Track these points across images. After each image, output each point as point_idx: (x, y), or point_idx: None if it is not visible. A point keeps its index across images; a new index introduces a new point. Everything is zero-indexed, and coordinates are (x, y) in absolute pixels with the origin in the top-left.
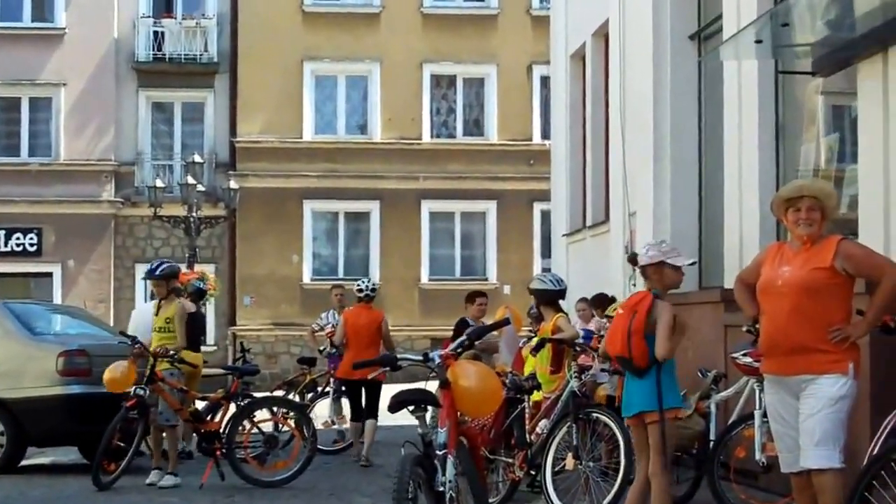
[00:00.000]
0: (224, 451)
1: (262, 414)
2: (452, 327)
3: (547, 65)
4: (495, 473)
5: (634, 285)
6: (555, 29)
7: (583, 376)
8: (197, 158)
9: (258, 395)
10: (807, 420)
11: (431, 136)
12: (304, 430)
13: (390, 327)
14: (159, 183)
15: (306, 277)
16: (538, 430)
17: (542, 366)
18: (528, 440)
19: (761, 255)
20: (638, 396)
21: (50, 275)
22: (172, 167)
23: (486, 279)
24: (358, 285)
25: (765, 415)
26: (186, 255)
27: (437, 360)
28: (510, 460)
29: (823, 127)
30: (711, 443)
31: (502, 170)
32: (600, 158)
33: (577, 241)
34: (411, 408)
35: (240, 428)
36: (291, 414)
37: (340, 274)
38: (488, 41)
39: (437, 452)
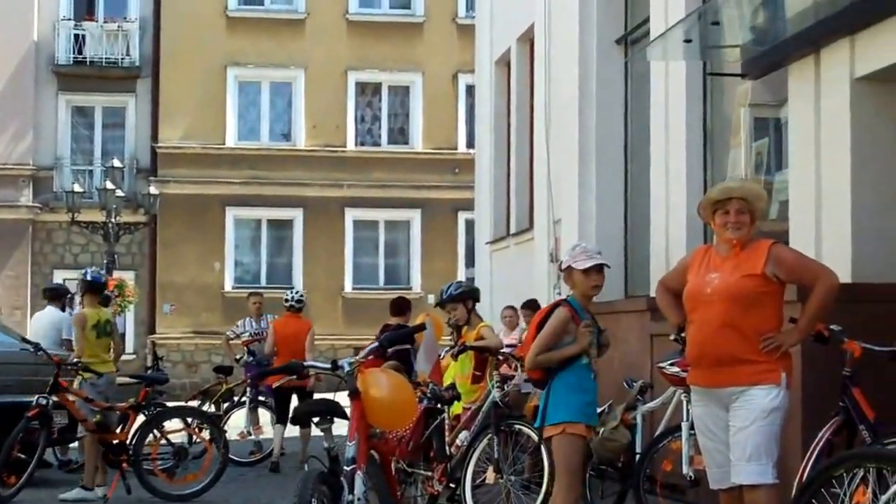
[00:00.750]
0: (131, 462)
1: (173, 424)
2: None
3: (472, 73)
4: (414, 487)
5: (559, 293)
6: (480, 34)
7: (505, 386)
8: (116, 163)
9: (174, 405)
10: (738, 433)
11: (356, 144)
12: (216, 441)
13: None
14: (77, 188)
15: (228, 285)
16: (458, 441)
17: (463, 375)
18: (448, 452)
19: (686, 259)
20: (539, 411)
21: None
22: (92, 172)
23: (410, 288)
24: (285, 296)
25: (692, 426)
26: (105, 261)
27: (347, 369)
28: (429, 473)
29: (753, 131)
30: (637, 456)
31: (427, 178)
32: (525, 165)
33: (500, 248)
34: (316, 419)
35: (148, 439)
36: (203, 424)
37: (263, 282)
38: (414, 49)
39: (345, 468)
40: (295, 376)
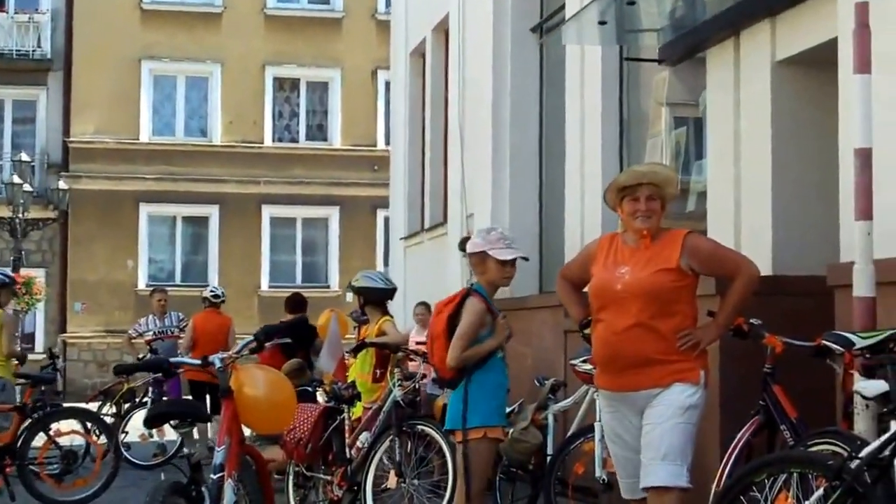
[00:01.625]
0: (15, 467)
1: (64, 426)
2: None
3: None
4: (314, 492)
5: None
6: (395, 25)
7: (412, 384)
8: (24, 157)
9: (69, 405)
10: (652, 431)
11: (273, 140)
12: (109, 444)
13: None
14: None
15: (141, 283)
16: (359, 443)
17: (364, 373)
18: (349, 455)
19: (591, 248)
20: (450, 412)
21: None
22: (2, 167)
23: (328, 286)
24: (203, 292)
25: None
26: (11, 258)
27: (219, 365)
28: (329, 478)
29: (672, 120)
30: (549, 457)
31: (345, 175)
32: (439, 158)
33: (415, 244)
34: (174, 422)
35: (35, 442)
36: (94, 426)
37: (178, 280)
38: (332, 45)
39: (212, 476)
40: (161, 374)
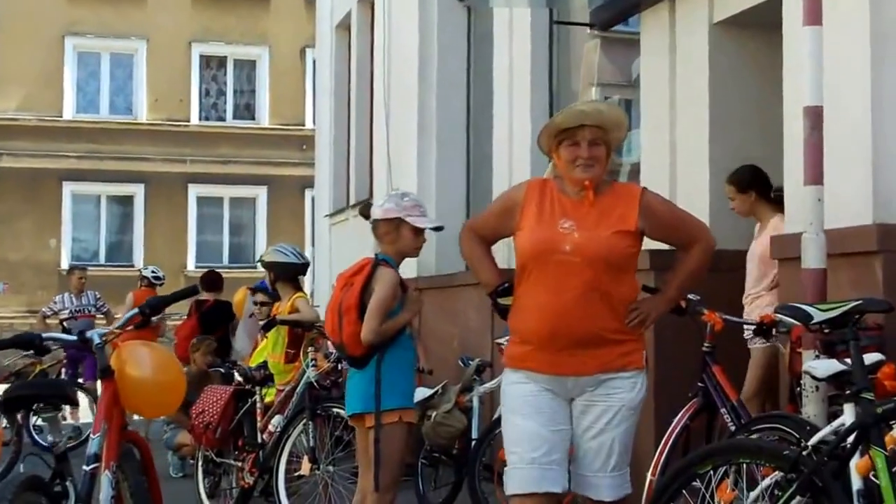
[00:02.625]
0: None
1: None
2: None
3: None
4: (225, 479)
5: None
6: None
7: (332, 364)
8: None
9: None
10: (600, 436)
11: (200, 119)
12: (9, 428)
13: None
14: None
15: (64, 263)
16: (271, 427)
17: (276, 354)
18: (260, 440)
19: (513, 195)
20: (356, 393)
21: None
22: None
23: (256, 267)
24: (143, 271)
25: None
26: None
27: (97, 341)
28: (240, 464)
29: (603, 87)
30: (474, 442)
31: (273, 155)
32: (365, 133)
33: (340, 221)
34: (36, 405)
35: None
36: None
37: (102, 260)
38: (260, 22)
39: (84, 468)
40: (33, 352)
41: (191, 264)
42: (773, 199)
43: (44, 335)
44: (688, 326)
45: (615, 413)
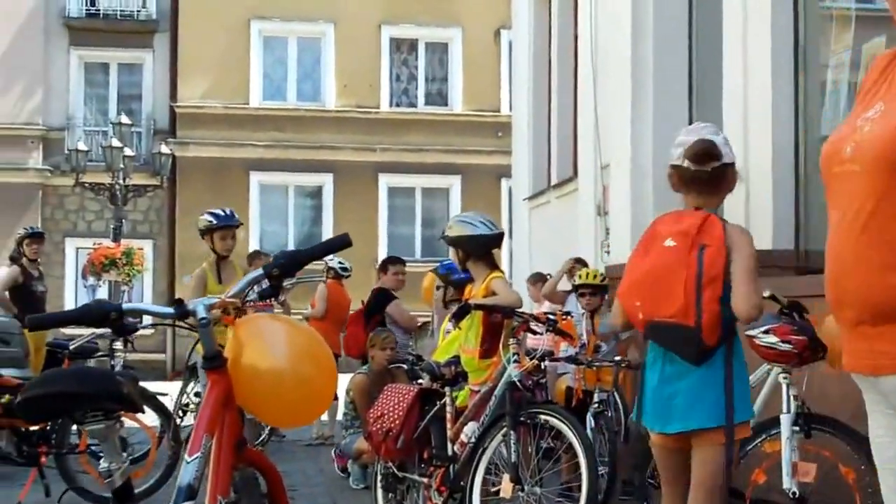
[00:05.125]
0: (52, 456)
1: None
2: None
3: None
4: (409, 497)
5: (608, 252)
6: None
7: (534, 361)
8: (124, 119)
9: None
10: None
11: (390, 105)
12: (165, 427)
13: None
14: (82, 146)
15: None
16: (463, 437)
17: (470, 347)
18: (451, 452)
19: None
20: (691, 401)
21: None
22: (107, 133)
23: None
24: (330, 262)
25: (796, 422)
26: (111, 226)
27: (203, 316)
28: (426, 480)
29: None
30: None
31: (467, 142)
32: (567, 110)
33: (540, 204)
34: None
35: (75, 426)
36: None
37: None
38: (453, 3)
39: None
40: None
41: (382, 257)
42: None
43: (125, 306)
44: None
45: None
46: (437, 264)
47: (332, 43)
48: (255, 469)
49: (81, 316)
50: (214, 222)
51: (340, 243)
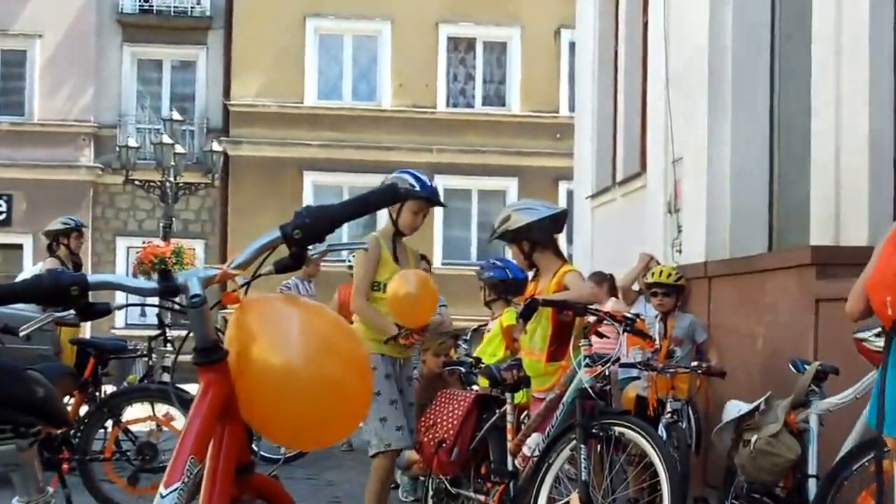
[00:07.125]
0: (75, 463)
1: (137, 411)
2: (469, 318)
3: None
4: None
5: (680, 251)
6: None
7: (602, 366)
8: (176, 115)
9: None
10: None
11: (447, 105)
12: None
13: None
14: (132, 143)
15: None
16: (526, 450)
17: (535, 349)
18: (512, 467)
19: None
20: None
21: (20, 247)
22: (159, 131)
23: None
24: None
25: None
26: (161, 225)
27: (196, 292)
28: (483, 497)
29: None
30: (811, 479)
31: (525, 144)
32: (635, 105)
33: (604, 202)
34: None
35: (100, 430)
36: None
37: (343, 254)
38: (511, 2)
39: None
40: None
41: (437, 261)
42: None
43: (90, 277)
44: None
45: None
46: (480, 267)
47: (389, 41)
48: (264, 502)
49: (27, 291)
50: (417, 188)
51: (382, 195)
